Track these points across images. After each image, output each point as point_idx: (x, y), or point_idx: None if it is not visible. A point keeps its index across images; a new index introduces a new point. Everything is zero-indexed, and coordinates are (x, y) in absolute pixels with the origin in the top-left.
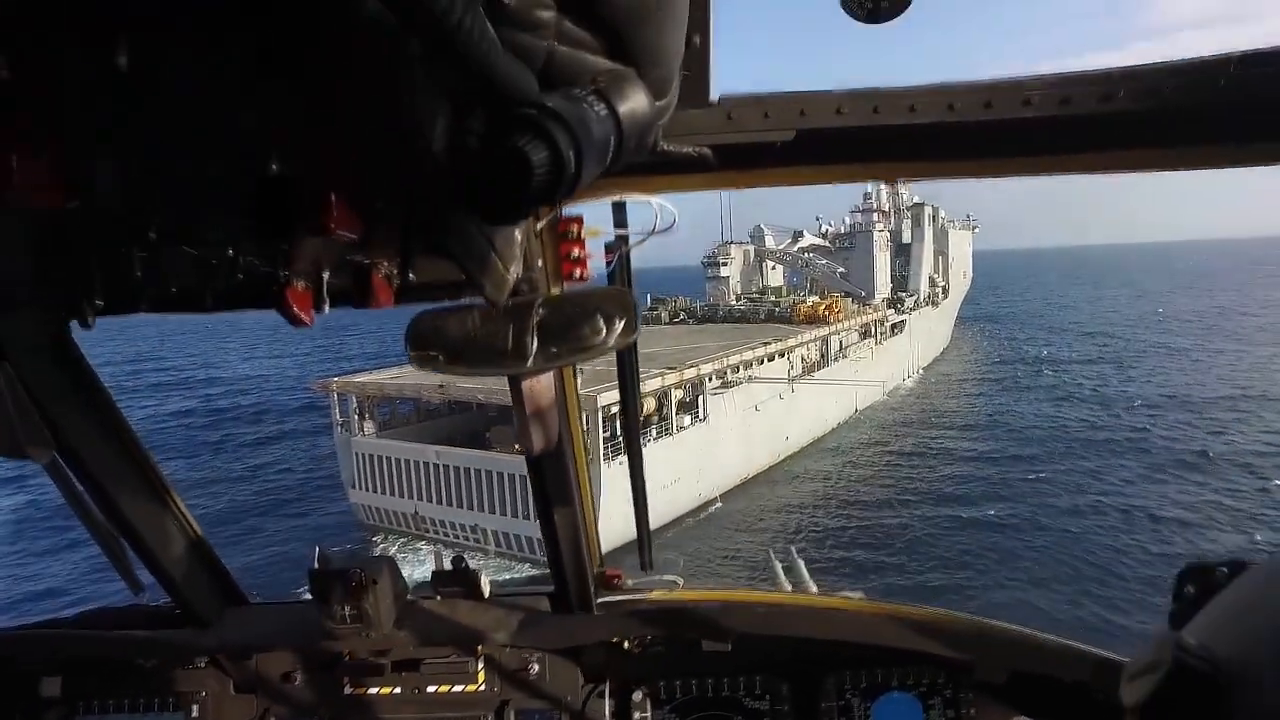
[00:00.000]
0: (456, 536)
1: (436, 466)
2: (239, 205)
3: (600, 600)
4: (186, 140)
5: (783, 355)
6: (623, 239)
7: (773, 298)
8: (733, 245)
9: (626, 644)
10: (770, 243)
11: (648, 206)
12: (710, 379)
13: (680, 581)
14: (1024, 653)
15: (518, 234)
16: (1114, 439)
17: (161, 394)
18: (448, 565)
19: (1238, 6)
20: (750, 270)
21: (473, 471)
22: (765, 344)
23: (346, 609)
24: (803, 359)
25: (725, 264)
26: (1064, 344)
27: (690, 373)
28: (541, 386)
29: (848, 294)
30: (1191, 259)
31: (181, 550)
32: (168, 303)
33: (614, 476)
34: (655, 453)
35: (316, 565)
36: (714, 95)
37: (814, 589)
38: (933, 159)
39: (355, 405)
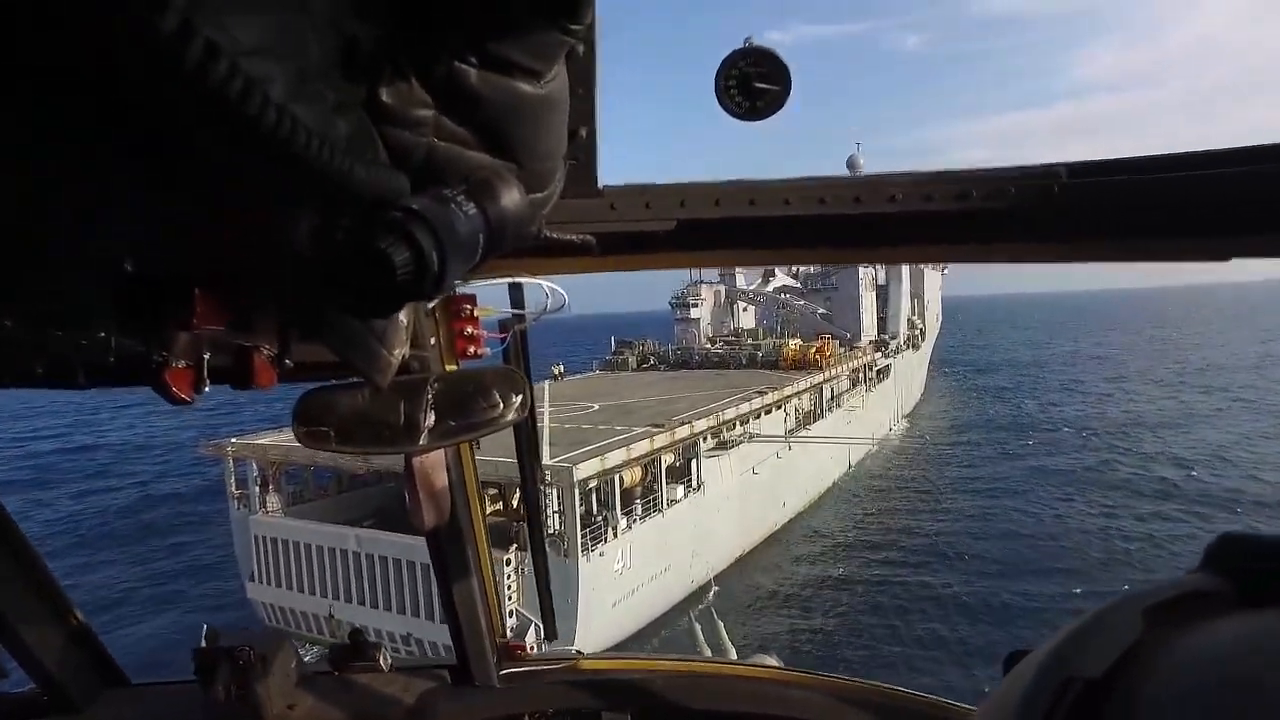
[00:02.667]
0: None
1: (358, 555)
2: (99, 301)
3: (503, 672)
4: (36, 235)
5: (779, 406)
6: (518, 318)
7: (751, 340)
8: (703, 285)
9: (528, 717)
10: (741, 282)
11: (545, 291)
12: (705, 438)
13: (583, 651)
14: None
15: (402, 318)
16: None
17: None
18: (345, 639)
19: (1143, 71)
20: (720, 312)
21: (404, 564)
22: (761, 393)
23: (234, 689)
24: (796, 409)
25: (696, 305)
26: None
27: (683, 431)
28: (434, 463)
29: (832, 336)
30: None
31: (50, 627)
32: (37, 379)
33: (597, 573)
34: (644, 535)
35: (204, 643)
36: (601, 184)
37: (733, 653)
38: (806, 247)
39: (256, 474)
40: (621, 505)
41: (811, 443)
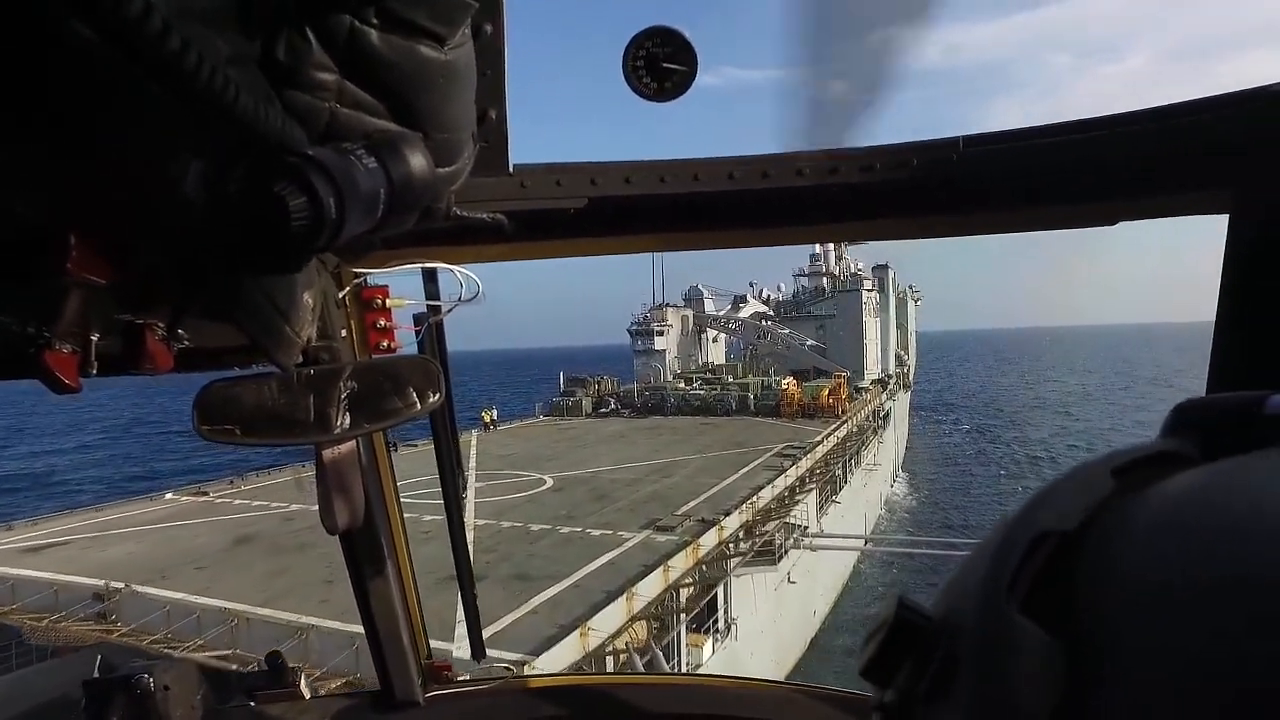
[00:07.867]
0: None
1: None
2: None
3: (429, 694)
4: None
5: (812, 476)
6: (433, 309)
7: (733, 378)
8: (669, 309)
9: None
10: (710, 308)
11: (458, 279)
12: (736, 543)
13: (513, 670)
14: None
15: (307, 297)
16: None
17: None
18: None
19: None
20: (688, 343)
21: None
22: (791, 457)
23: None
24: (821, 476)
25: (662, 333)
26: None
27: (710, 540)
28: (346, 457)
29: (825, 372)
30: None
31: None
32: None
33: None
34: None
35: (96, 673)
36: (512, 168)
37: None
38: (716, 228)
39: None
40: None
41: (850, 545)
